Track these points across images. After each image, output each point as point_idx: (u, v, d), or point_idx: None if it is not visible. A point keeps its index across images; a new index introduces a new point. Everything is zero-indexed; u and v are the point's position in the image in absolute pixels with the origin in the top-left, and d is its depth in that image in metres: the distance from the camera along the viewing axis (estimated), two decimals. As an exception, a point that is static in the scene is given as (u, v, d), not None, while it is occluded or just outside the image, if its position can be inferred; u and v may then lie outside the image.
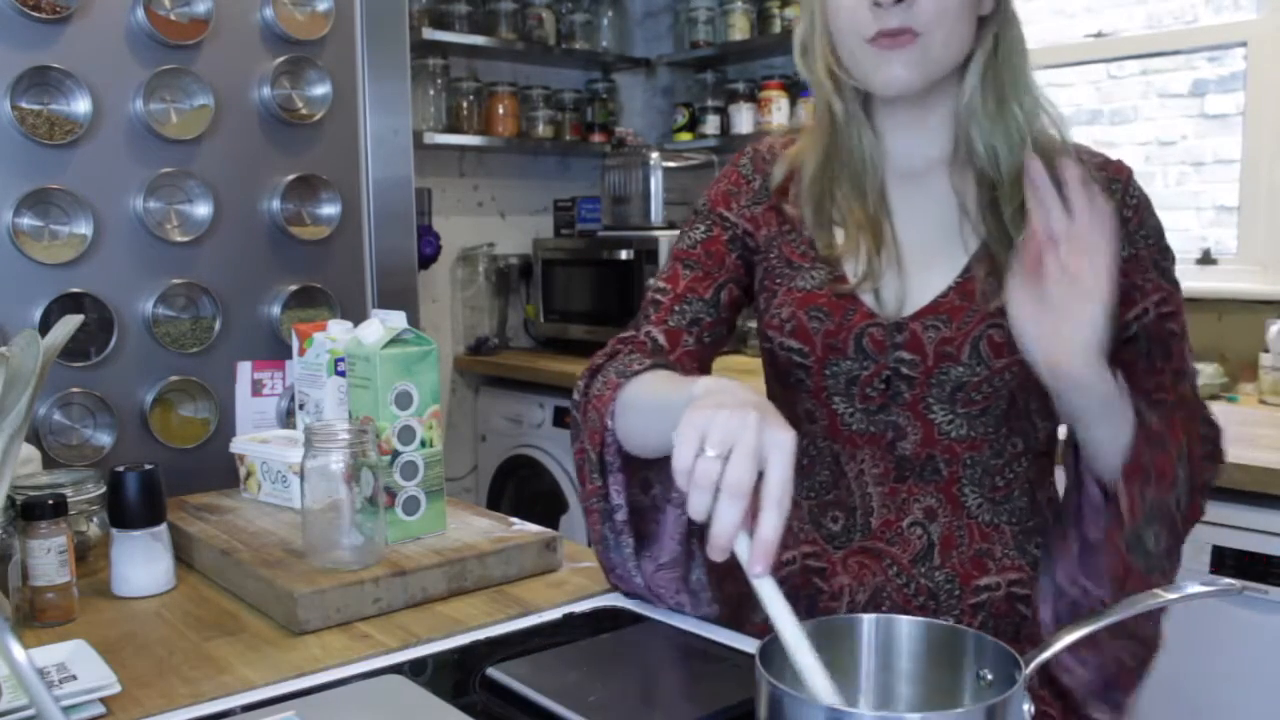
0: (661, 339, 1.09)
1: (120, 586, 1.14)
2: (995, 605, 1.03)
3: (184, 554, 1.24)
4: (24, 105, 1.48)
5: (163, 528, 1.16)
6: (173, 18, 1.59)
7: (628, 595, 1.09)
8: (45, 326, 1.46)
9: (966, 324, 1.00)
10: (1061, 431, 1.09)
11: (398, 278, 1.88)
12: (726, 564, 1.10)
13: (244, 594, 1.13)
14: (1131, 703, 0.99)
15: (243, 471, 1.40)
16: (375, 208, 1.84)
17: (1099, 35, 2.71)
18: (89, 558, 1.22)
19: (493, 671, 0.90)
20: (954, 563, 1.03)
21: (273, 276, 1.71)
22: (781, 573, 1.09)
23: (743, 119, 3.38)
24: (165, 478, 1.16)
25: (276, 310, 1.70)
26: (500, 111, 3.36)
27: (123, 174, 1.56)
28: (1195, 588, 0.79)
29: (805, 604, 1.07)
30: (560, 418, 3.05)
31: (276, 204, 1.69)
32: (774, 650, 0.74)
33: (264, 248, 1.70)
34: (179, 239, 1.60)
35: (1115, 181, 1.04)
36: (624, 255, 3.07)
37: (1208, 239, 2.53)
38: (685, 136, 3.54)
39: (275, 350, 1.65)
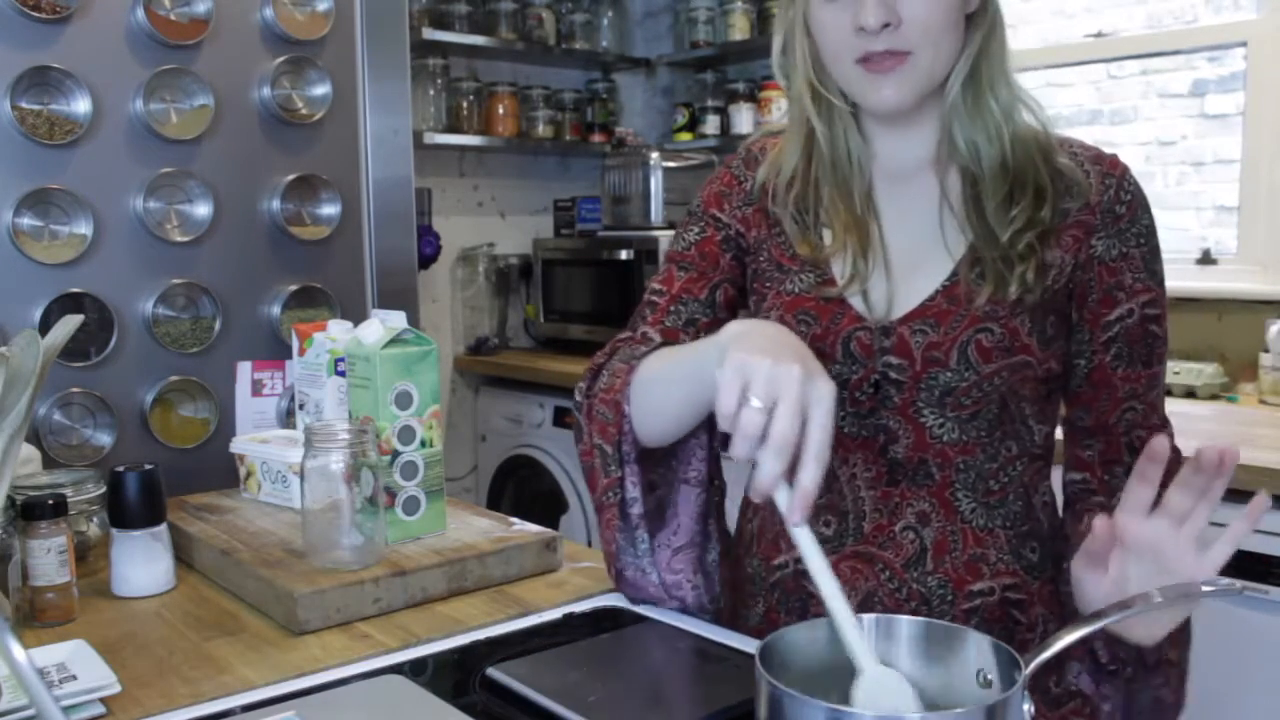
0: (658, 339, 1.09)
1: (120, 586, 1.14)
2: (989, 610, 1.02)
3: (184, 554, 1.24)
4: (24, 105, 1.48)
5: (163, 528, 1.16)
6: (173, 18, 1.59)
7: (634, 601, 1.08)
8: (45, 326, 1.46)
9: (954, 328, 1.00)
10: (1059, 433, 1.08)
11: (398, 278, 1.88)
12: (739, 565, 1.11)
13: (244, 594, 1.13)
14: None
15: (243, 471, 1.40)
16: (375, 208, 1.84)
17: (1099, 35, 2.71)
18: (89, 558, 1.22)
19: (493, 671, 0.90)
20: (947, 567, 1.02)
21: (273, 276, 1.71)
22: (775, 577, 1.09)
23: (743, 119, 3.38)
24: (165, 478, 1.16)
25: (276, 310, 1.70)
26: (500, 111, 3.36)
27: (123, 174, 1.56)
28: (1194, 588, 0.79)
29: (797, 609, 1.07)
30: (560, 417, 3.05)
31: (276, 204, 1.69)
32: (774, 650, 0.74)
33: (264, 248, 1.70)
34: (179, 239, 1.60)
35: (1109, 176, 1.03)
36: (624, 255, 3.07)
37: (1208, 239, 2.53)
38: (685, 136, 3.54)
39: (275, 350, 1.65)
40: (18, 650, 0.58)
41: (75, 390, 1.53)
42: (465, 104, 3.30)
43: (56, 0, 1.49)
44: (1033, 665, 0.72)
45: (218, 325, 1.64)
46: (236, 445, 1.41)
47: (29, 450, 1.30)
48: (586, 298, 3.25)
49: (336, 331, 1.35)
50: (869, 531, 1.04)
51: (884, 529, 1.03)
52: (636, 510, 0.99)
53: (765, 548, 1.10)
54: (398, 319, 1.20)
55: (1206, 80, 2.55)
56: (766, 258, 1.11)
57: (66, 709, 0.81)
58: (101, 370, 1.55)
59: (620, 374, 0.98)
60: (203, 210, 1.62)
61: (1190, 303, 2.34)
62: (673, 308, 1.11)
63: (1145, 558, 0.82)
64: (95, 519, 1.23)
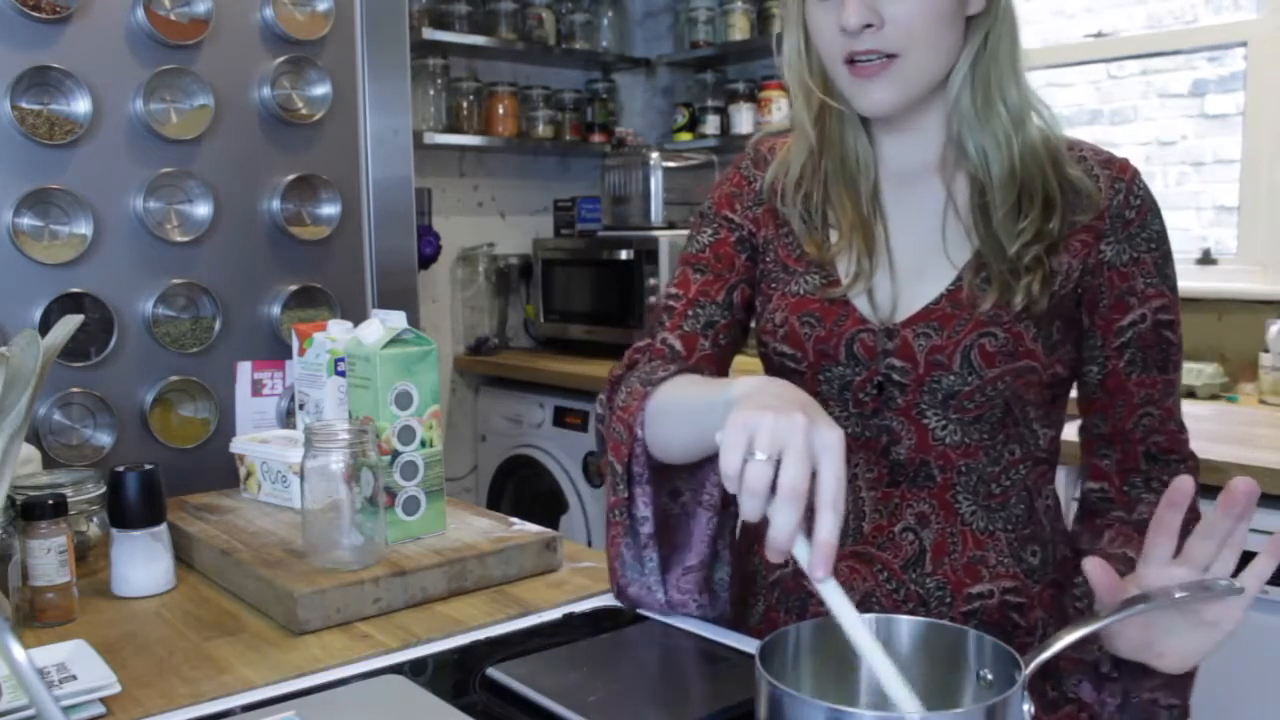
0: (678, 345, 1.09)
1: (120, 586, 1.14)
2: (988, 613, 1.02)
3: (184, 554, 1.24)
4: (24, 105, 1.48)
5: (163, 528, 1.16)
6: (173, 18, 1.59)
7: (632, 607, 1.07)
8: (45, 326, 1.46)
9: (958, 332, 0.99)
10: (1067, 433, 1.08)
11: (398, 278, 1.88)
12: (740, 564, 1.10)
13: (244, 594, 1.13)
14: None
15: (243, 471, 1.40)
16: (375, 208, 1.84)
17: (1099, 35, 2.71)
18: (89, 558, 1.22)
19: (493, 671, 0.90)
20: (946, 569, 1.02)
21: (273, 276, 1.71)
22: (774, 576, 1.09)
23: (743, 119, 3.38)
24: (165, 478, 1.16)
25: (276, 310, 1.70)
26: (500, 111, 3.36)
27: (123, 174, 1.56)
28: (1196, 588, 0.79)
29: (796, 609, 1.07)
30: (560, 417, 3.05)
31: (276, 204, 1.69)
32: (774, 650, 0.74)
33: (264, 248, 1.70)
34: (179, 239, 1.60)
35: (1119, 180, 1.02)
36: (624, 255, 3.07)
37: (1208, 239, 2.53)
38: (685, 136, 3.54)
39: (275, 350, 1.65)
40: (18, 650, 0.58)
41: (75, 390, 1.53)
42: (465, 104, 3.30)
43: (56, 0, 1.49)
44: (1033, 665, 0.72)
45: (218, 325, 1.64)
46: (236, 445, 1.41)
47: (29, 450, 1.30)
48: (586, 298, 3.25)
49: (336, 331, 1.35)
50: (868, 532, 1.04)
51: (883, 529, 1.03)
52: (646, 530, 0.99)
53: (763, 547, 1.10)
54: (398, 319, 1.20)
55: (1206, 80, 2.55)
56: (773, 258, 1.10)
57: (66, 709, 0.81)
58: (101, 370, 1.55)
59: (636, 396, 0.98)
60: (203, 210, 1.62)
61: (1190, 303, 2.34)
62: (690, 311, 1.10)
63: (1176, 606, 0.81)
64: (95, 519, 1.23)
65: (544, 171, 3.65)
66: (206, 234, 1.62)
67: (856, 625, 0.71)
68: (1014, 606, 1.03)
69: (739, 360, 1.18)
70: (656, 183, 3.18)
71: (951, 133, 1.04)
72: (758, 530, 1.12)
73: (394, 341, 1.18)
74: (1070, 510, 1.15)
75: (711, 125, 3.48)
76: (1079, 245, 1.02)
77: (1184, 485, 0.79)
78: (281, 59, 1.68)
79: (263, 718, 0.82)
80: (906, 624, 0.78)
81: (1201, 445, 1.07)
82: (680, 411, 0.93)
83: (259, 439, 1.40)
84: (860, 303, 1.04)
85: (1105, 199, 1.02)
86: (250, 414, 1.54)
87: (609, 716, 0.83)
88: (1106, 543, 1.00)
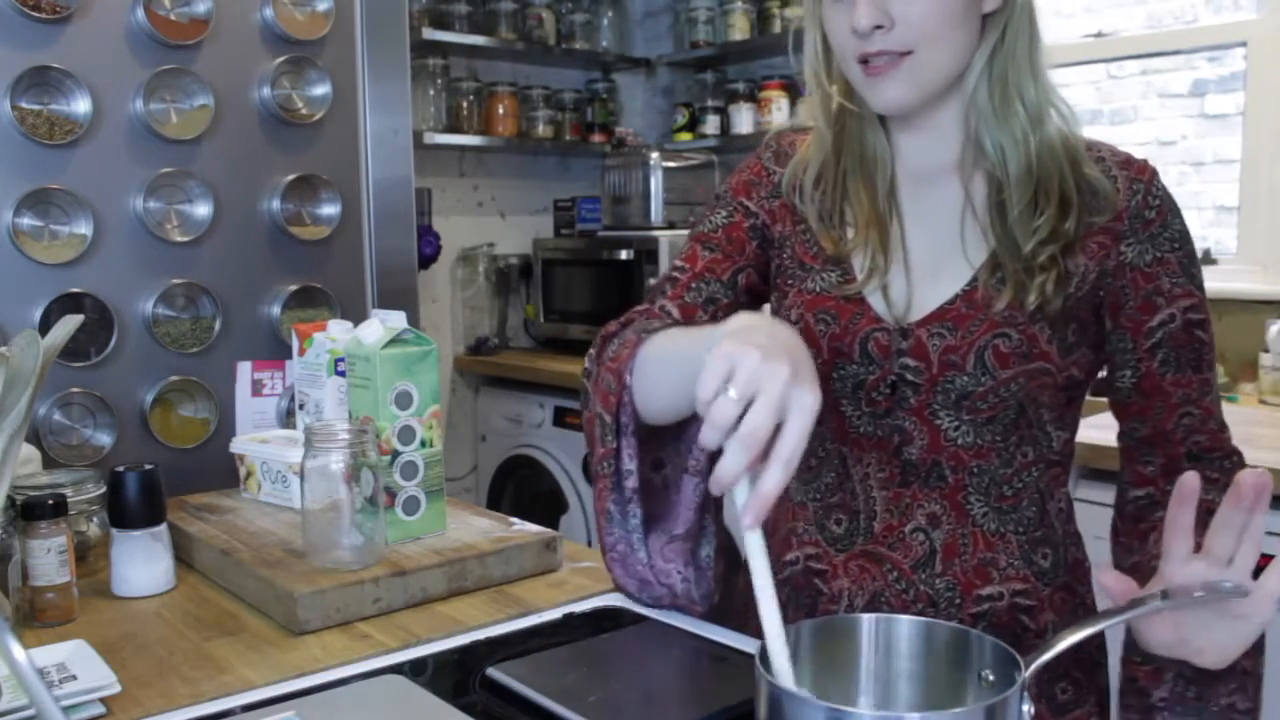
0: (676, 314, 1.08)
1: (120, 586, 1.14)
2: (997, 615, 1.02)
3: (184, 554, 1.24)
4: (24, 105, 1.48)
5: (163, 528, 1.16)
6: (173, 18, 1.59)
7: (622, 590, 1.06)
8: (45, 326, 1.46)
9: (972, 333, 0.99)
10: (1084, 435, 1.07)
11: (398, 278, 1.88)
12: (728, 542, 1.10)
13: (244, 594, 1.13)
14: None
15: (243, 471, 1.40)
16: (375, 208, 1.84)
17: (1099, 35, 2.71)
18: (89, 558, 1.22)
19: (493, 671, 0.90)
20: (955, 571, 1.01)
21: (273, 276, 1.71)
22: (784, 573, 1.08)
23: (743, 119, 3.38)
24: (165, 478, 1.16)
25: (276, 310, 1.70)
26: (500, 111, 3.36)
27: (123, 174, 1.56)
28: (1199, 589, 0.79)
29: (806, 605, 1.06)
30: (560, 417, 3.05)
31: (276, 204, 1.69)
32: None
33: (264, 248, 1.70)
34: (179, 239, 1.60)
35: (1137, 181, 1.02)
36: (624, 255, 3.07)
37: (1208, 239, 2.53)
38: (685, 136, 3.54)
39: (275, 350, 1.65)
40: (18, 650, 0.58)
41: (75, 390, 1.53)
42: (465, 104, 3.30)
43: (56, 0, 1.49)
44: (1033, 666, 0.72)
45: (218, 325, 1.64)
46: (236, 445, 1.41)
47: (29, 450, 1.30)
48: (586, 298, 3.25)
49: (336, 331, 1.35)
50: (879, 531, 1.03)
51: (894, 529, 1.03)
52: (631, 484, 0.97)
53: (775, 544, 1.10)
54: (398, 319, 1.20)
55: (1206, 80, 2.55)
56: (790, 255, 1.10)
57: (66, 709, 0.81)
58: (101, 370, 1.55)
59: (629, 344, 0.96)
60: (203, 210, 1.62)
61: (1190, 303, 2.34)
62: (694, 284, 1.10)
63: (1204, 602, 0.81)
64: (95, 519, 1.23)
65: (544, 171, 3.65)
66: (206, 234, 1.62)
67: (766, 587, 0.72)
68: (1024, 609, 1.02)
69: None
70: (656, 183, 3.18)
71: (969, 131, 1.04)
72: (767, 529, 1.12)
73: (394, 341, 1.18)
74: (1085, 516, 1.14)
75: (711, 125, 3.48)
76: (1096, 247, 1.01)
77: (1190, 482, 0.79)
78: (281, 59, 1.68)
79: (263, 718, 0.82)
80: (907, 624, 0.78)
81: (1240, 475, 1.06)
82: (671, 352, 0.91)
83: (259, 439, 1.40)
84: (875, 301, 1.03)
85: (1123, 200, 1.01)
86: (250, 414, 1.54)
87: (609, 716, 0.83)
88: (1152, 545, 0.99)
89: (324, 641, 1.01)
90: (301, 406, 1.40)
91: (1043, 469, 1.04)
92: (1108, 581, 0.81)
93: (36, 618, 1.06)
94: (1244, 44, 2.47)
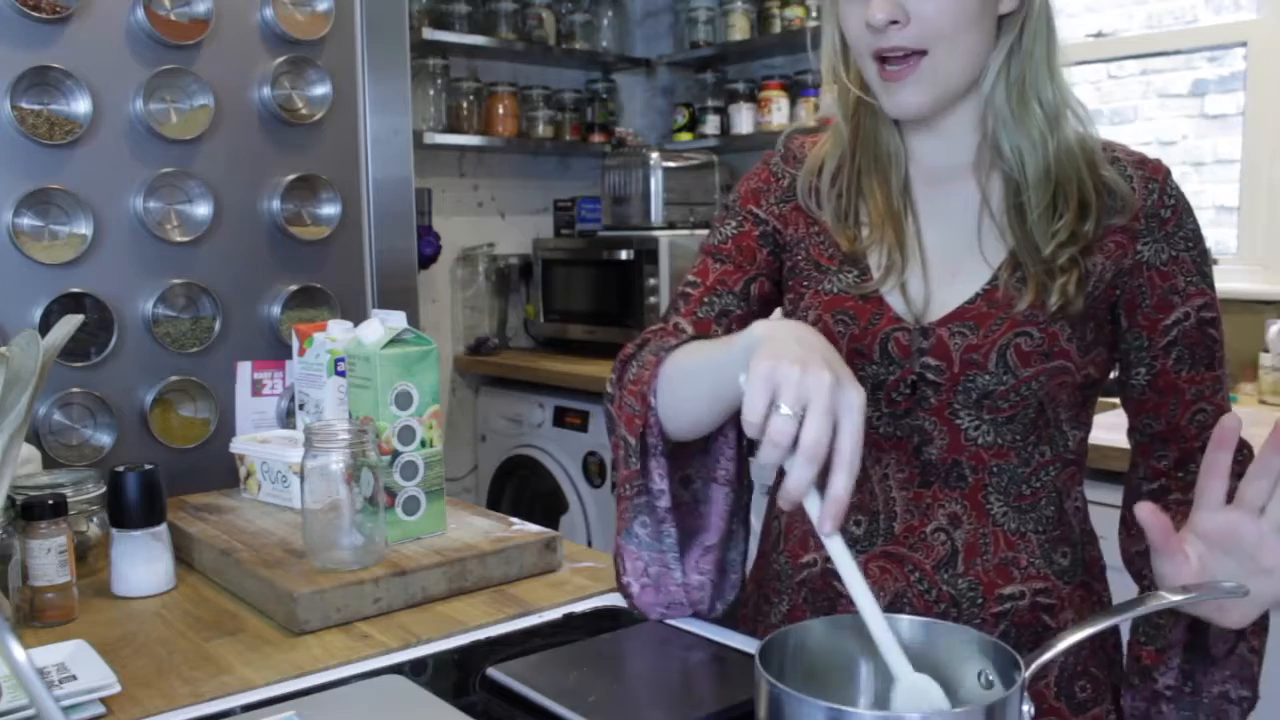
0: (690, 330, 1.08)
1: (120, 586, 1.14)
2: (1019, 615, 1.01)
3: (184, 554, 1.24)
4: (24, 105, 1.48)
5: (163, 528, 1.16)
6: (173, 18, 1.59)
7: (638, 608, 1.04)
8: (45, 326, 1.46)
9: (994, 331, 0.99)
10: (1100, 437, 1.07)
11: (398, 278, 1.88)
12: (764, 563, 1.10)
13: (244, 594, 1.13)
14: None
15: (243, 471, 1.40)
16: (375, 208, 1.84)
17: (1099, 35, 2.72)
18: (89, 558, 1.22)
19: (493, 671, 0.90)
20: (978, 570, 1.01)
21: (273, 276, 1.71)
22: (802, 575, 1.08)
23: (743, 119, 3.38)
24: (165, 478, 1.16)
25: (276, 310, 1.70)
26: (500, 111, 3.36)
27: (123, 174, 1.56)
28: (1199, 588, 0.79)
29: (825, 607, 1.06)
30: (560, 418, 3.05)
31: (276, 204, 1.69)
32: (774, 650, 0.74)
33: (264, 248, 1.70)
34: (179, 239, 1.60)
35: (1152, 180, 1.02)
36: (624, 255, 3.07)
37: (1208, 239, 2.53)
38: (685, 136, 3.54)
39: (275, 350, 1.65)
40: (18, 650, 0.58)
41: (75, 390, 1.53)
42: (465, 104, 3.30)
43: (56, 0, 1.49)
44: (1033, 666, 0.72)
45: (218, 325, 1.64)
46: (236, 445, 1.41)
47: (29, 450, 1.30)
48: (586, 298, 3.26)
49: (336, 331, 1.35)
50: (899, 532, 1.03)
51: (915, 530, 1.03)
52: (663, 504, 0.98)
53: (792, 545, 1.10)
54: (398, 319, 1.20)
55: (1206, 80, 2.55)
56: (804, 256, 1.10)
57: (66, 709, 0.81)
58: (101, 370, 1.55)
59: (649, 366, 0.97)
60: (203, 210, 1.62)
61: (1190, 303, 2.34)
62: (706, 299, 1.10)
63: (1231, 551, 0.82)
64: (95, 519, 1.23)
65: (544, 171, 3.65)
66: (206, 234, 1.62)
67: (860, 583, 0.74)
68: (1045, 608, 1.02)
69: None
70: (656, 183, 3.18)
71: (986, 132, 1.03)
72: (785, 529, 1.12)
73: (394, 341, 1.18)
74: (1098, 516, 1.14)
75: (711, 125, 3.48)
76: (1113, 246, 1.01)
77: (1230, 424, 0.80)
78: (281, 59, 1.68)
79: (263, 718, 0.82)
80: (908, 624, 0.78)
81: None
82: (696, 368, 0.92)
83: (259, 439, 1.40)
84: (894, 300, 1.03)
85: (1139, 200, 1.01)
86: (250, 414, 1.54)
87: (609, 716, 0.83)
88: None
89: (324, 641, 1.01)
90: (301, 406, 1.40)
91: (1059, 468, 1.04)
92: (1145, 515, 0.81)
93: (36, 618, 1.06)
94: (1244, 44, 2.47)
